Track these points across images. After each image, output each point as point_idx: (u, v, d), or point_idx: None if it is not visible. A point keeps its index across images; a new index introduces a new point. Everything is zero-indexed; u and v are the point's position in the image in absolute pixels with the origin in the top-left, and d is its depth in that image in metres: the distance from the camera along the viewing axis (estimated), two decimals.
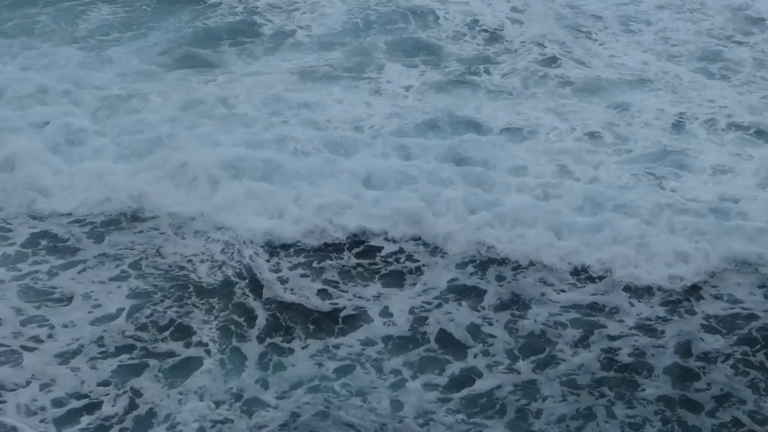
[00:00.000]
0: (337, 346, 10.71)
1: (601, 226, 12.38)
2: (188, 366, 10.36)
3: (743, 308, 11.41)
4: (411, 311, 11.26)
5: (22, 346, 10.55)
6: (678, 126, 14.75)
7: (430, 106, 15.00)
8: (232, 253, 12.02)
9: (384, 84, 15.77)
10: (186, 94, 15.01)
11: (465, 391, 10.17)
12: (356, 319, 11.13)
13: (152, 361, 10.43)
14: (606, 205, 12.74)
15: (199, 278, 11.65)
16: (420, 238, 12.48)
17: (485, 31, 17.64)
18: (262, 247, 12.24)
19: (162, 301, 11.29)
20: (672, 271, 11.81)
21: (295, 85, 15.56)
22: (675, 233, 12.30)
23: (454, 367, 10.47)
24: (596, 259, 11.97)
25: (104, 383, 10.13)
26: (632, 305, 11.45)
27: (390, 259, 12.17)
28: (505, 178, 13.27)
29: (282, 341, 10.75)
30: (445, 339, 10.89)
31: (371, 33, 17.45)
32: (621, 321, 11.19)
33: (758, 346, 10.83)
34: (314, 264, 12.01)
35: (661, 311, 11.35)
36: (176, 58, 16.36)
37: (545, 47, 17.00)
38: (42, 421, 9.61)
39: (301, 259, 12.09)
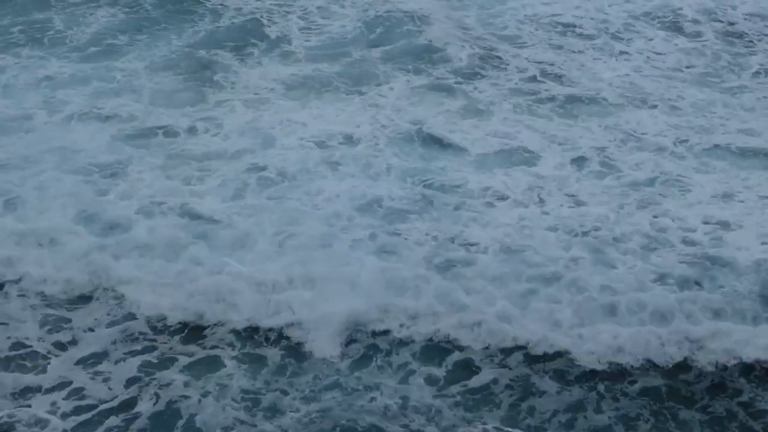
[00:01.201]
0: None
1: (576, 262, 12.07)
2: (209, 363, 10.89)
3: None
4: None
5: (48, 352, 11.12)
6: (671, 148, 14.47)
7: (409, 123, 14.88)
8: None
9: (376, 98, 15.72)
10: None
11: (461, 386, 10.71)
12: None
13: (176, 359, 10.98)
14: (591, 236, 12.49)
15: None
16: None
17: (478, 46, 17.46)
18: None
19: None
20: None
21: (288, 96, 15.77)
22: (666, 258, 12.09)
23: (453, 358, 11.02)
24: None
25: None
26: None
27: None
28: (483, 205, 13.05)
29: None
30: None
31: (368, 44, 17.55)
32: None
33: None
34: None
35: None
36: (177, 68, 16.65)
37: (535, 65, 16.89)
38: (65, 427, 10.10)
39: None
